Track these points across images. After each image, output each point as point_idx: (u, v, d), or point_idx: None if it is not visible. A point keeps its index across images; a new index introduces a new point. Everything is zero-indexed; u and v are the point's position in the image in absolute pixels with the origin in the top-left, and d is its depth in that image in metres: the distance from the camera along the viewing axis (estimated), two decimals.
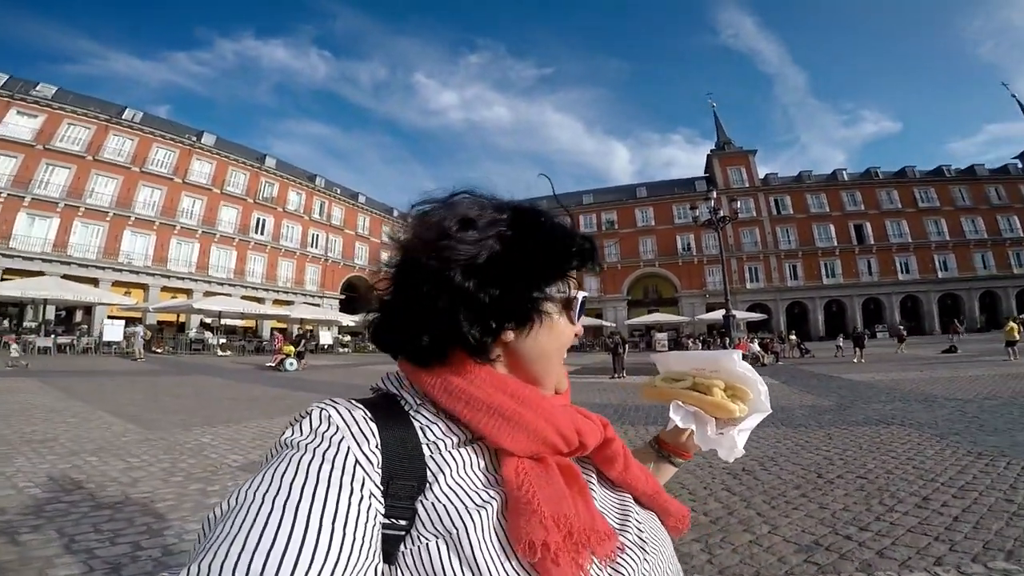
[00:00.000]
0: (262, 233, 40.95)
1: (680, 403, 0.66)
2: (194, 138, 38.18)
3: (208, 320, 30.74)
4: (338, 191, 49.65)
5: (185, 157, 36.88)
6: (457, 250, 0.50)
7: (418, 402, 0.53)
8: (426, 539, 0.43)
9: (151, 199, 34.56)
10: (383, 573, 0.41)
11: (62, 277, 26.12)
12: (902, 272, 42.77)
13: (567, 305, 0.57)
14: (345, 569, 0.36)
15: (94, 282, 29.50)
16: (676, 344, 36.54)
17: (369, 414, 0.49)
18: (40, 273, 26.55)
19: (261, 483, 0.40)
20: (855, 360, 17.71)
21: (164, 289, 34.01)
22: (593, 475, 0.60)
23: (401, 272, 0.55)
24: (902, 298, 42.31)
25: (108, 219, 32.11)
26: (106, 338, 23.01)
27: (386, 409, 0.51)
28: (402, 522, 0.44)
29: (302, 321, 32.96)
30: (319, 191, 46.90)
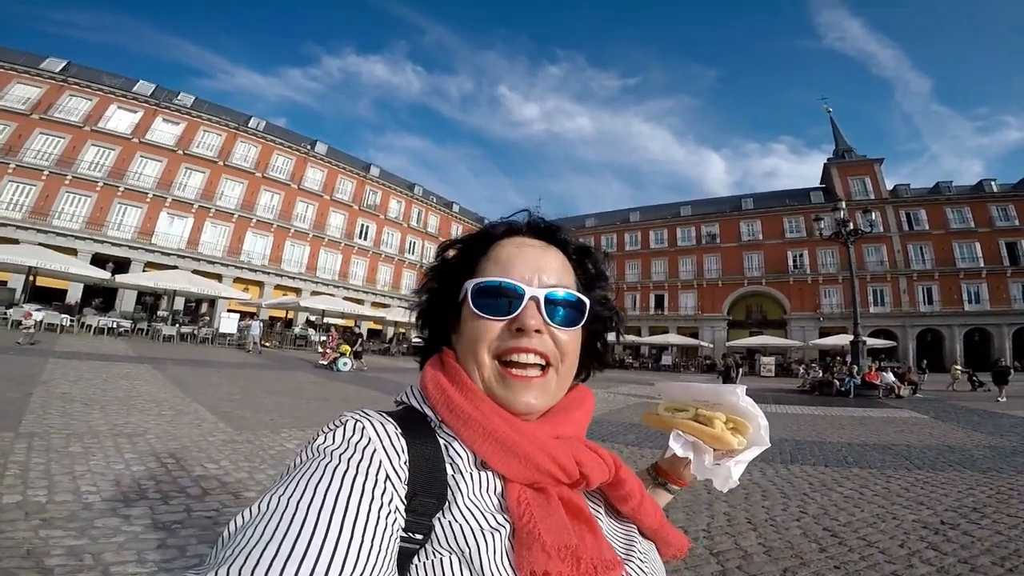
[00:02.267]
0: (365, 239, 43.01)
1: (680, 432, 0.67)
2: (309, 147, 40.99)
3: (312, 318, 32.37)
4: (434, 200, 51.05)
5: (301, 164, 39.67)
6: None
7: (440, 419, 0.55)
8: (440, 554, 0.44)
9: (271, 203, 37.47)
10: None
11: (192, 272, 28.70)
12: None
13: (468, 297, 0.58)
14: None
15: (218, 278, 32.28)
16: (785, 370, 33.45)
17: (400, 429, 0.50)
18: (175, 267, 29.29)
19: (294, 490, 0.41)
20: (998, 398, 14.75)
21: (277, 287, 36.64)
22: (601, 507, 0.62)
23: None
24: None
25: (234, 220, 35.17)
26: (222, 330, 24.68)
27: (415, 424, 0.53)
28: (418, 536, 0.45)
29: (396, 323, 33.79)
30: (417, 199, 48.54)
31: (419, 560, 0.44)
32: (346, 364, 15.90)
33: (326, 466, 0.43)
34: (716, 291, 44.35)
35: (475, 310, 0.57)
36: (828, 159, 46.23)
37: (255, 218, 36.08)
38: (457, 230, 51.33)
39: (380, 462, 0.45)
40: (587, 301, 0.60)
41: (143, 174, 31.86)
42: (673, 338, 39.27)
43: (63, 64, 31.74)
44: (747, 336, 38.42)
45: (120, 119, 31.94)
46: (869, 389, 16.97)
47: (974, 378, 20.73)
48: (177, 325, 23.66)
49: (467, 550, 0.44)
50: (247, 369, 13.80)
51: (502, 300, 0.56)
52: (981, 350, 35.50)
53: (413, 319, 0.68)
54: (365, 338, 18.64)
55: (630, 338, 41.71)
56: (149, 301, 28.99)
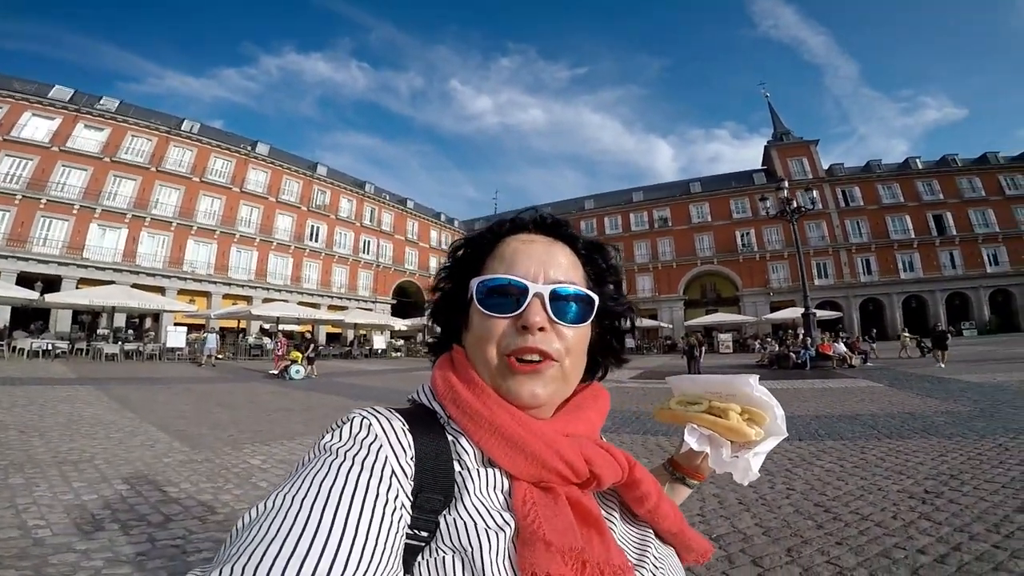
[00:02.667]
0: (316, 240, 41.58)
1: (695, 426, 0.66)
2: (249, 148, 39.16)
3: (267, 326, 31.11)
4: (387, 197, 49.91)
5: (242, 166, 37.79)
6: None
7: (448, 415, 0.55)
8: (443, 552, 0.44)
9: (212, 208, 35.57)
10: None
11: (132, 286, 27.07)
12: (991, 264, 39.07)
13: (473, 297, 0.58)
14: None
15: (161, 291, 30.50)
16: (741, 346, 34.67)
17: (407, 425, 0.51)
18: (111, 282, 27.44)
19: (300, 488, 0.41)
20: (938, 363, 15.35)
21: (226, 296, 34.94)
22: (616, 510, 0.60)
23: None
24: (991, 292, 38.75)
25: (172, 229, 33.20)
26: (170, 344, 23.39)
27: (424, 421, 0.53)
28: (424, 533, 0.45)
29: (356, 325, 32.96)
30: (369, 197, 47.28)
31: (423, 557, 0.44)
32: (299, 371, 15.22)
33: (332, 463, 0.43)
34: (671, 272, 45.65)
35: (481, 308, 0.57)
36: (768, 142, 48.26)
37: (196, 225, 34.15)
38: (413, 227, 50.65)
39: (386, 458, 0.45)
40: (595, 297, 0.59)
41: (67, 184, 29.48)
42: None
43: None
44: (703, 315, 39.51)
45: (36, 127, 29.37)
46: (823, 360, 17.66)
47: (922, 344, 21.90)
48: (120, 342, 22.19)
49: (469, 549, 0.44)
50: (200, 384, 13.10)
51: (508, 298, 0.56)
52: (918, 316, 37.98)
53: (414, 320, 0.66)
54: (317, 343, 17.66)
55: None
56: (87, 320, 27.10)
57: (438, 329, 0.68)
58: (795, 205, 20.06)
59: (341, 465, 0.43)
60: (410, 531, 0.44)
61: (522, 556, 0.44)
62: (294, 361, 15.49)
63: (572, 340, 0.57)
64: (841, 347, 18.75)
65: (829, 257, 41.90)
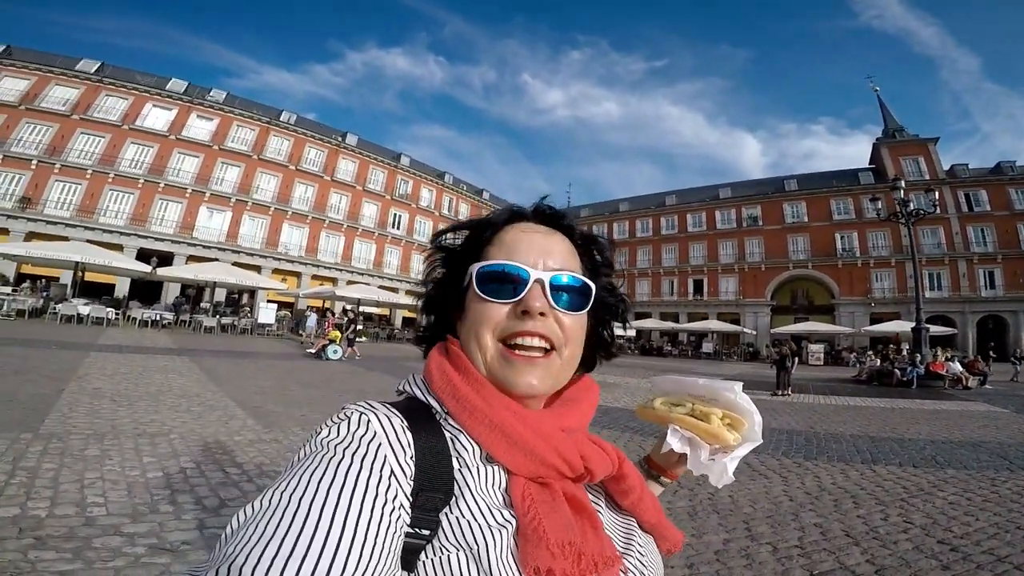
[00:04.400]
0: (398, 228, 43.16)
1: (677, 427, 0.67)
2: (340, 138, 41.17)
3: (348, 307, 32.59)
4: (464, 187, 50.79)
5: (333, 156, 39.89)
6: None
7: (446, 410, 0.54)
8: (447, 551, 0.44)
9: (305, 195, 37.91)
10: None
11: (233, 264, 29.21)
12: None
13: (472, 281, 0.58)
14: None
15: (257, 269, 32.87)
16: (835, 359, 31.89)
17: (406, 422, 0.50)
18: (215, 260, 29.91)
19: (298, 485, 0.40)
20: None
21: (314, 277, 37.17)
22: (602, 500, 0.63)
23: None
24: None
25: (270, 213, 35.76)
26: (260, 320, 25.03)
27: (421, 417, 0.53)
28: (425, 532, 0.45)
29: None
30: (447, 187, 48.38)
31: (426, 556, 0.44)
32: (336, 352, 14.86)
33: (329, 461, 0.43)
34: (759, 275, 42.44)
35: (480, 293, 0.57)
36: (877, 139, 43.42)
37: (291, 210, 36.54)
38: None
39: (385, 457, 0.45)
40: (592, 286, 0.60)
41: (182, 170, 32.54)
42: (713, 324, 37.92)
43: (97, 65, 32.52)
44: (792, 322, 36.69)
45: (156, 117, 32.64)
46: (933, 380, 15.89)
47: None
48: (218, 316, 24.01)
49: (475, 547, 0.45)
50: (282, 360, 13.70)
51: (507, 284, 0.56)
52: None
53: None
54: (357, 324, 17.26)
55: (668, 324, 40.73)
56: (192, 293, 29.66)
57: (424, 320, 0.68)
58: (911, 207, 17.99)
59: (340, 463, 0.42)
60: (411, 530, 0.44)
61: (523, 552, 0.45)
62: (332, 341, 15.27)
63: (571, 328, 0.57)
64: (956, 366, 16.73)
65: (945, 267, 37.28)
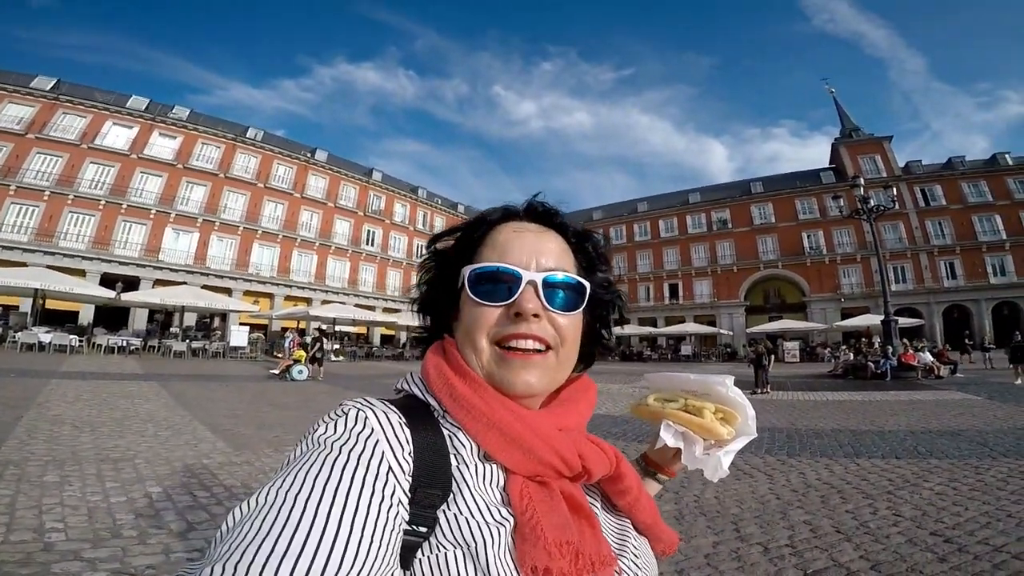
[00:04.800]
0: (372, 244, 42.67)
1: (671, 423, 0.67)
2: (309, 154, 40.67)
3: (323, 327, 31.96)
4: (439, 201, 50.67)
5: (302, 173, 39.33)
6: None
7: (444, 408, 0.54)
8: (445, 548, 0.44)
9: (275, 213, 37.21)
10: None
11: (202, 287, 28.53)
12: None
13: (465, 284, 0.57)
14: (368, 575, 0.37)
15: (228, 292, 31.96)
16: (810, 355, 32.58)
17: (404, 419, 0.49)
18: (184, 283, 29.01)
19: (293, 483, 0.39)
20: (1017, 379, 13.42)
21: (287, 298, 36.29)
22: (598, 500, 0.62)
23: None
24: None
25: (239, 232, 34.91)
26: (233, 343, 24.45)
27: (419, 415, 0.52)
28: (423, 529, 0.44)
29: (408, 328, 33.31)
30: (422, 202, 48.19)
31: (423, 553, 0.44)
32: (301, 372, 14.62)
33: (326, 457, 0.42)
34: (731, 277, 43.38)
35: (472, 296, 0.56)
36: (836, 139, 45.19)
37: (260, 229, 35.74)
38: None
39: (383, 453, 0.44)
40: (587, 284, 0.59)
41: (145, 190, 31.53)
42: (691, 327, 38.55)
43: (53, 82, 31.36)
44: (767, 321, 37.44)
45: (117, 135, 31.62)
46: (906, 371, 16.27)
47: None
48: (188, 341, 23.31)
49: (473, 544, 0.44)
50: (254, 383, 13.36)
51: (500, 285, 0.56)
52: (1011, 324, 34.39)
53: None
54: (323, 343, 16.93)
55: (646, 329, 41.10)
56: (160, 318, 28.69)
57: (421, 321, 0.67)
58: (872, 204, 18.60)
59: (336, 460, 0.42)
60: (408, 527, 0.43)
61: (521, 551, 0.45)
62: (297, 361, 15.01)
63: (566, 328, 0.56)
64: (927, 356, 17.18)
65: (908, 260, 38.67)
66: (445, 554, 0.43)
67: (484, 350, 0.55)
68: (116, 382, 11.01)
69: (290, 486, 0.39)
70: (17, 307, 24.63)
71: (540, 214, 0.63)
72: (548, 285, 0.56)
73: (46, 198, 28.30)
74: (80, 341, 20.38)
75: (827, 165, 45.93)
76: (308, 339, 17.13)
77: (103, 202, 29.86)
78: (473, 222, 0.63)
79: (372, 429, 0.46)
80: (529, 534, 0.45)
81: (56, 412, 6.82)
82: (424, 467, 0.47)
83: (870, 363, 17.19)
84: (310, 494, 0.38)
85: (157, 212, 31.55)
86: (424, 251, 0.66)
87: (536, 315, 0.54)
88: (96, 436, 5.53)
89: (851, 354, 21.79)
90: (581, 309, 0.58)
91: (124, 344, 21.49)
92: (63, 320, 24.57)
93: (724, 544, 3.02)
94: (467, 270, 0.57)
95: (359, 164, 46.72)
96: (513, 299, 0.54)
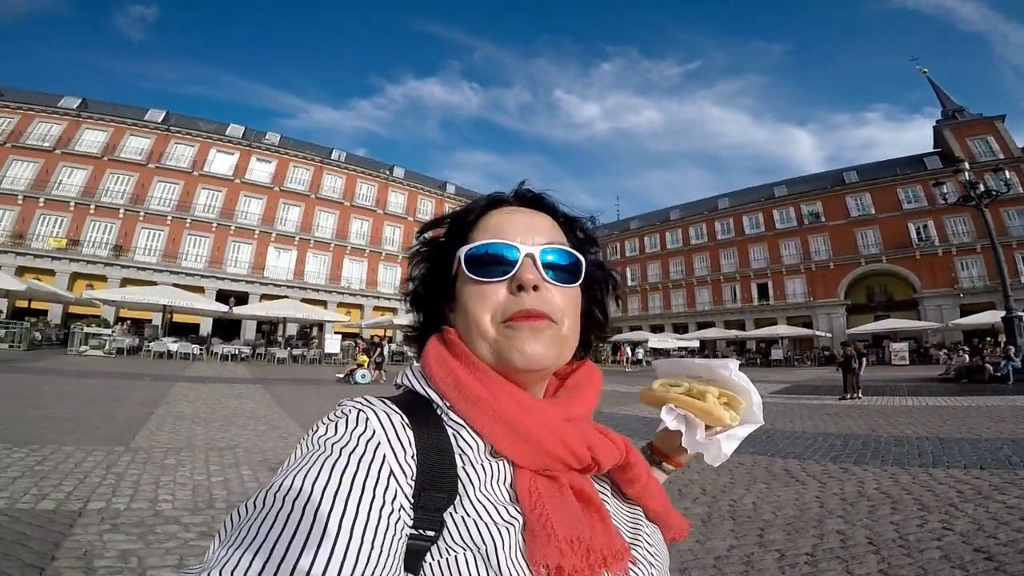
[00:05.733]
0: None
1: (672, 406, 0.67)
2: (388, 172, 43.08)
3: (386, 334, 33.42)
4: None
5: (383, 189, 41.74)
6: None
7: (447, 403, 0.52)
8: (454, 551, 0.43)
9: (361, 230, 39.78)
10: None
11: (301, 300, 30.57)
12: None
13: (462, 264, 0.56)
14: None
15: (324, 304, 34.09)
16: (921, 357, 29.77)
17: (406, 419, 0.48)
18: (285, 297, 31.53)
19: (292, 487, 0.38)
20: None
21: (375, 308, 38.48)
22: (608, 488, 0.61)
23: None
24: None
25: (331, 249, 37.72)
26: (327, 350, 26.30)
27: (422, 412, 0.51)
28: (429, 533, 0.43)
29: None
30: None
31: (432, 557, 0.42)
32: (364, 376, 15.54)
33: (326, 460, 0.40)
34: (828, 274, 39.96)
35: (471, 275, 0.55)
36: (937, 121, 40.81)
37: (349, 245, 38.42)
38: None
39: (384, 456, 0.43)
40: (582, 259, 0.59)
41: (249, 212, 34.81)
42: (782, 329, 36.24)
43: (163, 114, 35.50)
44: (871, 321, 34.51)
45: (221, 162, 35.35)
46: None
47: None
48: (289, 348, 25.59)
49: (483, 546, 0.43)
50: (346, 385, 14.63)
51: (497, 264, 0.55)
52: None
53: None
54: (383, 348, 18.15)
55: (733, 332, 39.12)
56: (267, 329, 31.38)
57: (414, 319, 0.65)
58: (983, 188, 16.85)
59: (336, 463, 0.40)
60: (414, 531, 0.42)
61: (531, 548, 0.44)
62: (360, 365, 15.99)
63: (566, 301, 0.56)
64: None
65: None
66: (455, 557, 0.42)
67: (490, 331, 0.53)
68: (228, 385, 12.38)
69: (288, 490, 0.38)
70: (150, 320, 28.23)
71: (529, 199, 0.62)
72: (546, 257, 0.55)
73: (168, 222, 31.88)
74: (201, 349, 22.97)
75: (931, 150, 42.10)
76: (370, 346, 18.45)
77: (215, 224, 33.10)
78: (463, 210, 0.61)
79: (373, 431, 0.44)
80: (540, 531, 0.45)
81: (179, 410, 7.91)
82: (428, 470, 0.45)
83: (988, 365, 15.36)
84: (308, 498, 0.37)
85: (260, 232, 34.61)
86: (414, 244, 0.64)
87: (536, 287, 0.53)
88: (208, 429, 6.44)
89: (966, 355, 19.67)
90: (579, 284, 0.58)
91: (236, 352, 23.85)
92: (187, 331, 27.96)
93: (740, 548, 2.96)
94: (463, 251, 0.56)
95: (434, 178, 48.82)
96: (513, 273, 0.54)
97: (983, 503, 3.63)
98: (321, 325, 32.15)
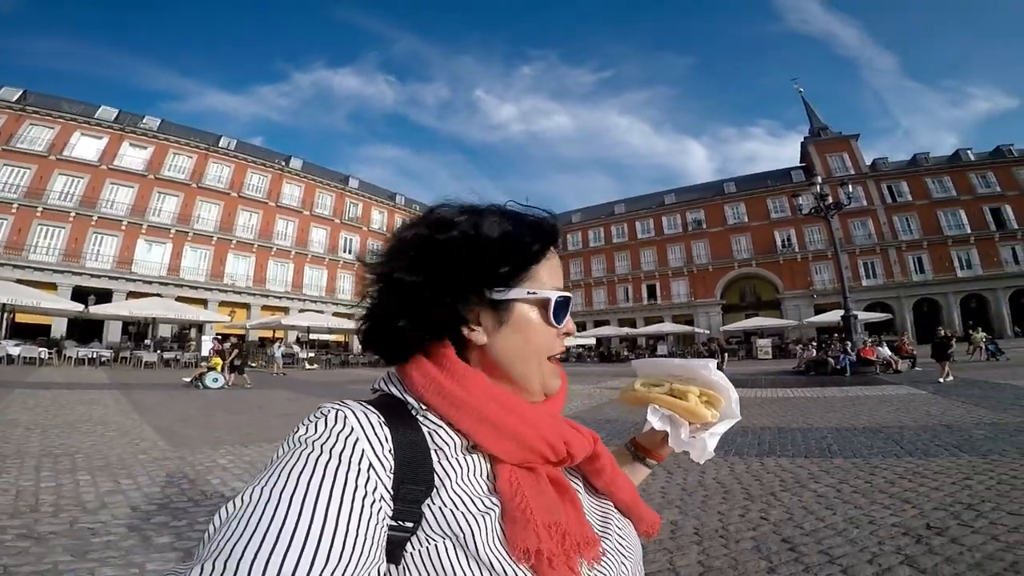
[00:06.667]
0: (350, 252, 42.39)
1: (657, 407, 0.69)
2: (283, 163, 40.65)
3: (300, 335, 31.86)
4: (416, 207, 50.58)
5: (277, 181, 39.21)
6: (421, 249, 0.56)
7: (423, 406, 0.54)
8: (433, 540, 0.46)
9: (249, 223, 37.01)
10: (388, 573, 0.44)
11: (176, 299, 28.40)
12: None
13: (543, 306, 0.57)
14: (354, 570, 0.38)
15: (204, 303, 31.75)
16: (782, 351, 33.19)
17: (383, 418, 0.50)
18: (158, 295, 28.86)
19: (277, 481, 0.41)
20: (940, 378, 12.14)
21: (264, 307, 36.04)
22: (580, 483, 0.64)
23: (384, 278, 0.58)
24: None
25: (213, 243, 34.70)
26: (204, 353, 24.29)
27: (398, 413, 0.52)
28: (409, 524, 0.46)
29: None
30: (399, 209, 48.20)
31: (412, 547, 0.45)
32: (216, 380, 13.61)
33: (308, 456, 0.43)
34: (707, 276, 44.09)
35: (552, 321, 0.58)
36: (804, 138, 46.31)
37: (235, 239, 35.60)
38: None
39: (363, 451, 0.46)
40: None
41: (116, 201, 31.31)
42: (668, 327, 39.02)
43: (19, 93, 30.92)
44: (743, 319, 38.00)
45: (86, 146, 31.36)
46: (866, 366, 16.46)
47: (992, 346, 19.92)
48: (159, 352, 23.32)
49: (461, 534, 0.46)
50: (219, 391, 13.45)
51: (563, 313, 0.59)
52: (979, 315, 35.34)
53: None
54: (244, 349, 16.01)
55: (625, 330, 41.46)
56: (134, 330, 28.47)
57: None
58: (830, 201, 19.14)
59: (318, 458, 0.43)
60: (394, 522, 0.45)
61: (511, 533, 0.47)
62: (211, 368, 13.95)
63: None
64: (885, 351, 17.50)
65: (877, 256, 39.64)
66: (435, 545, 0.45)
67: (545, 366, 0.59)
68: (79, 391, 11.14)
69: (274, 484, 0.41)
70: None
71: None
72: None
73: (14, 210, 27.96)
74: (50, 354, 20.44)
75: (798, 164, 46.91)
76: (226, 347, 15.45)
77: (73, 214, 29.57)
78: (523, 235, 0.58)
79: (352, 428, 0.47)
80: (519, 517, 0.48)
81: (12, 417, 7.13)
82: (405, 463, 0.48)
83: (830, 358, 17.49)
84: (294, 490, 0.40)
85: (129, 223, 31.30)
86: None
87: None
88: (45, 436, 5.85)
89: (814, 350, 22.24)
90: None
91: (95, 356, 21.50)
92: (35, 333, 24.40)
93: None
94: (554, 295, 0.58)
95: (336, 171, 46.76)
96: (564, 323, 0.60)
97: (799, 492, 3.92)
98: (200, 326, 30.01)
